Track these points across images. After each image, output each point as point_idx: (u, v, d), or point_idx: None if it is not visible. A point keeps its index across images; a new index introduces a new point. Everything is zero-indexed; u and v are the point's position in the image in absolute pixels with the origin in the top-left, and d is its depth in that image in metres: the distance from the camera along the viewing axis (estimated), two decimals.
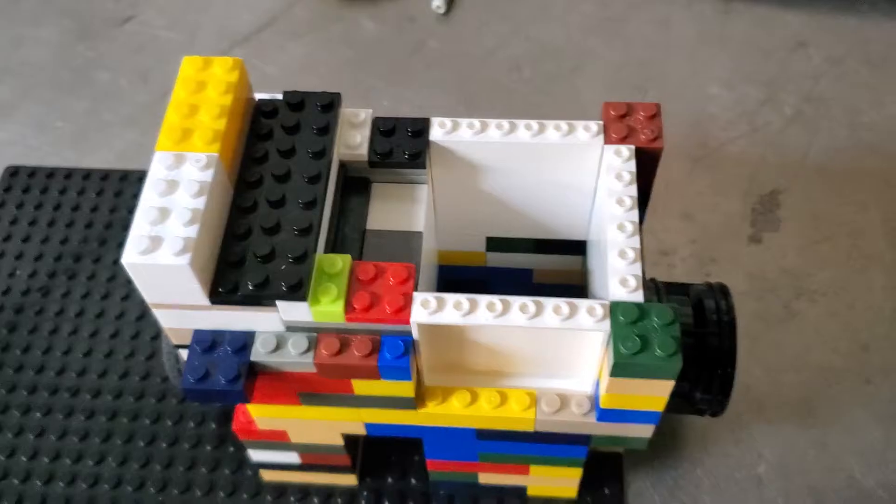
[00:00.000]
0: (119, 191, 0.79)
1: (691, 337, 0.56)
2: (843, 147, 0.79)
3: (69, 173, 0.80)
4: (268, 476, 0.63)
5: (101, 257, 0.75)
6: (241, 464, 0.64)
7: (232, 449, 0.65)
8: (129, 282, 0.73)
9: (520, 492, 0.62)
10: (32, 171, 0.80)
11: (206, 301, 0.45)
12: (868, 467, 0.63)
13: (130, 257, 0.43)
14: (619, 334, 0.44)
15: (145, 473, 0.64)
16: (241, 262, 0.46)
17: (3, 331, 0.71)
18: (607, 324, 0.45)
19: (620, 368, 0.45)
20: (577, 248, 0.61)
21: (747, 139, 0.80)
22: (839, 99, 0.82)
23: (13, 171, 0.80)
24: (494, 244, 0.62)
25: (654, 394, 0.47)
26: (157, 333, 0.70)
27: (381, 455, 0.64)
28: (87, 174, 0.80)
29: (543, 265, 0.63)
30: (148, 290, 0.45)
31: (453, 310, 0.46)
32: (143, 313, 0.72)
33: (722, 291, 0.58)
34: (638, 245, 0.47)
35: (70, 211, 0.78)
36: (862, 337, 0.69)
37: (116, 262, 0.74)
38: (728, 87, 0.84)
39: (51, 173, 0.80)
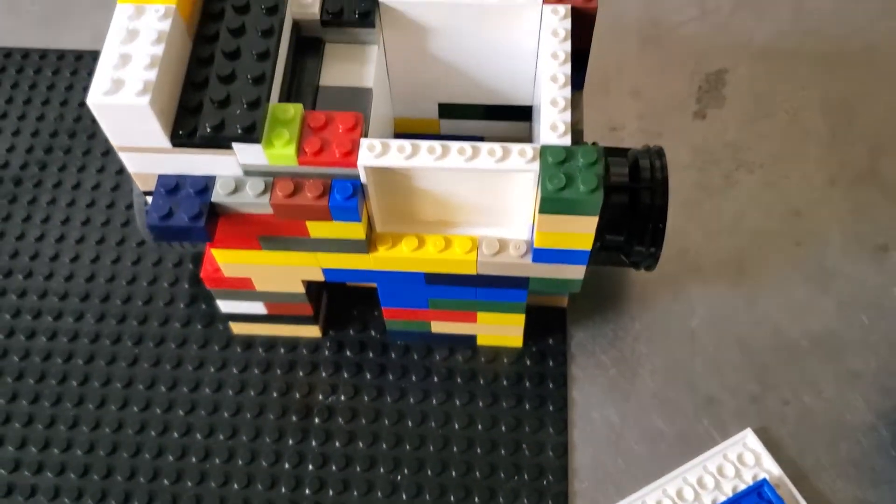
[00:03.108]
0: (92, 70, 0.82)
1: (626, 192, 0.60)
2: (788, 30, 0.82)
3: (43, 54, 0.83)
4: (237, 329, 0.68)
5: (76, 133, 0.78)
6: (212, 319, 0.69)
7: (203, 306, 0.69)
8: (104, 154, 0.77)
9: (470, 341, 0.67)
10: (8, 52, 0.83)
11: (167, 143, 0.49)
12: (792, 320, 0.68)
13: (95, 98, 0.47)
14: (546, 173, 0.49)
15: (122, 329, 0.69)
16: (199, 108, 0.50)
17: None
18: (536, 164, 0.49)
19: (548, 203, 0.49)
20: (525, 114, 0.65)
21: (697, 22, 0.83)
22: None
23: None
24: (446, 110, 0.65)
25: (581, 231, 0.52)
26: (132, 203, 0.74)
27: (343, 310, 0.69)
28: (62, 55, 0.83)
29: (494, 132, 0.67)
30: (113, 132, 0.49)
31: (397, 153, 0.50)
32: (118, 184, 0.75)
33: (657, 153, 0.62)
34: (568, 95, 0.51)
35: (45, 90, 0.81)
36: (795, 203, 0.73)
37: (92, 136, 0.78)
38: None
39: (25, 54, 0.83)
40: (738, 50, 0.81)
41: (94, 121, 0.78)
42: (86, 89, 0.80)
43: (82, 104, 0.80)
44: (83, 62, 0.82)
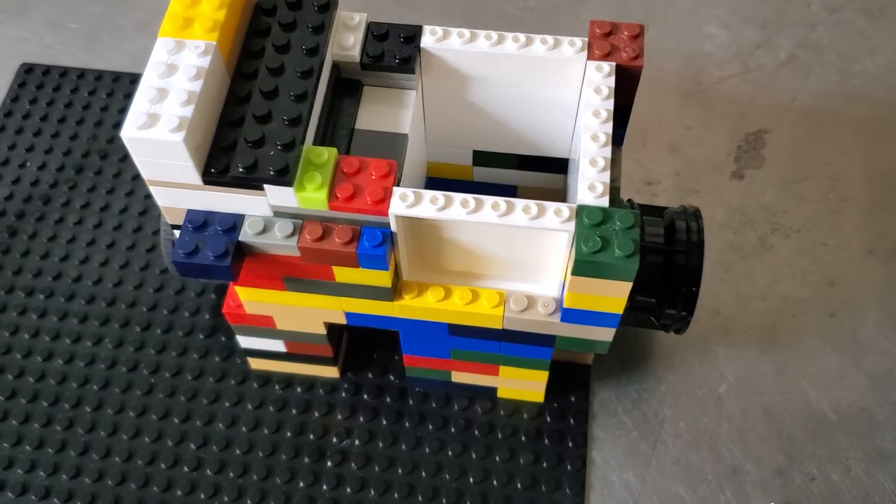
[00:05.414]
0: (129, 93, 0.82)
1: (660, 254, 0.59)
2: (832, 93, 0.81)
3: (82, 73, 0.83)
4: (255, 364, 0.67)
5: (108, 154, 0.78)
6: (231, 352, 0.68)
7: (223, 339, 0.68)
8: (134, 178, 0.77)
9: (490, 393, 0.65)
10: (46, 69, 0.83)
11: (198, 180, 0.49)
12: (822, 392, 0.66)
13: (129, 132, 0.46)
14: (582, 234, 0.47)
15: (139, 357, 0.68)
16: (233, 146, 0.49)
17: (11, 218, 0.74)
18: (572, 225, 0.48)
19: (581, 266, 0.48)
20: (560, 166, 0.64)
21: (740, 79, 0.82)
22: (833, 46, 0.84)
23: (28, 68, 0.83)
24: (480, 158, 0.65)
25: (613, 295, 0.50)
26: (159, 228, 0.74)
27: (362, 352, 0.68)
28: (99, 75, 0.83)
29: (527, 182, 0.66)
30: (145, 167, 0.48)
31: (429, 204, 0.49)
32: (146, 209, 0.75)
33: (694, 214, 0.61)
34: (609, 155, 0.50)
35: (81, 109, 0.81)
36: (830, 273, 0.71)
37: (123, 159, 0.78)
38: (726, 28, 0.85)
39: (64, 72, 0.83)
40: (780, 110, 0.80)
41: (108, 141, 0.78)
42: (121, 111, 0.80)
43: (116, 126, 0.80)
44: (120, 84, 0.82)
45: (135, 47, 0.85)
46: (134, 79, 0.83)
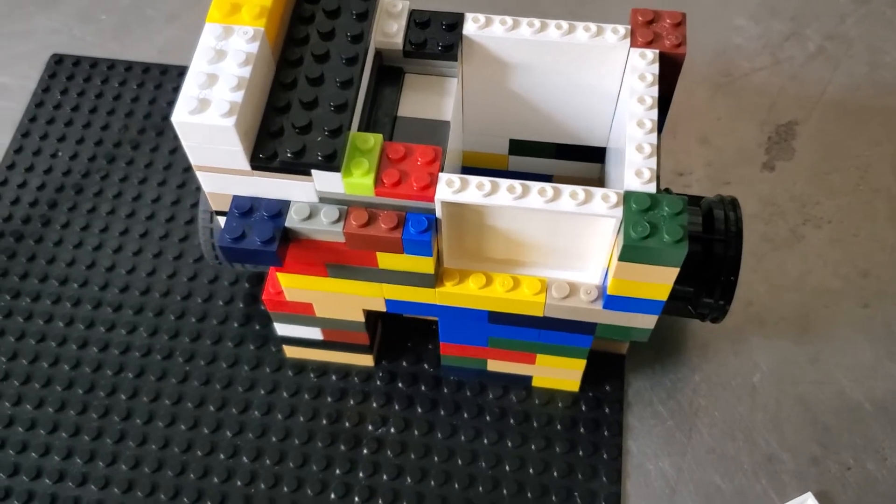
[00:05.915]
0: (159, 84, 0.82)
1: (699, 243, 0.59)
2: (862, 84, 0.81)
3: (112, 64, 0.83)
4: (290, 353, 0.67)
5: (139, 145, 0.78)
6: (265, 341, 0.68)
7: (257, 327, 0.69)
8: (166, 168, 0.77)
9: (525, 382, 0.66)
10: (77, 60, 0.83)
11: (246, 166, 0.49)
12: (856, 382, 0.66)
13: (180, 116, 0.46)
14: (630, 220, 0.48)
15: (174, 345, 0.68)
16: (280, 132, 0.49)
17: (44, 207, 0.75)
18: (620, 211, 0.48)
19: (629, 252, 0.48)
20: (597, 155, 0.64)
21: (769, 71, 0.82)
22: (862, 38, 0.84)
23: (58, 59, 0.83)
24: (517, 147, 0.65)
25: (659, 281, 0.50)
26: (192, 217, 0.74)
27: (397, 341, 0.68)
28: (129, 66, 0.83)
29: (563, 171, 0.66)
30: (194, 152, 0.49)
31: (475, 190, 0.49)
32: (179, 198, 0.75)
33: (732, 204, 0.61)
34: (655, 141, 0.50)
35: (111, 100, 0.81)
36: (862, 263, 0.71)
37: (155, 149, 0.78)
38: (755, 20, 0.85)
39: (94, 63, 0.83)
40: (810, 102, 0.80)
41: (158, 133, 0.78)
42: (152, 102, 0.81)
43: (147, 116, 0.80)
44: (150, 75, 0.82)
45: (163, 39, 0.85)
46: (164, 70, 0.83)
